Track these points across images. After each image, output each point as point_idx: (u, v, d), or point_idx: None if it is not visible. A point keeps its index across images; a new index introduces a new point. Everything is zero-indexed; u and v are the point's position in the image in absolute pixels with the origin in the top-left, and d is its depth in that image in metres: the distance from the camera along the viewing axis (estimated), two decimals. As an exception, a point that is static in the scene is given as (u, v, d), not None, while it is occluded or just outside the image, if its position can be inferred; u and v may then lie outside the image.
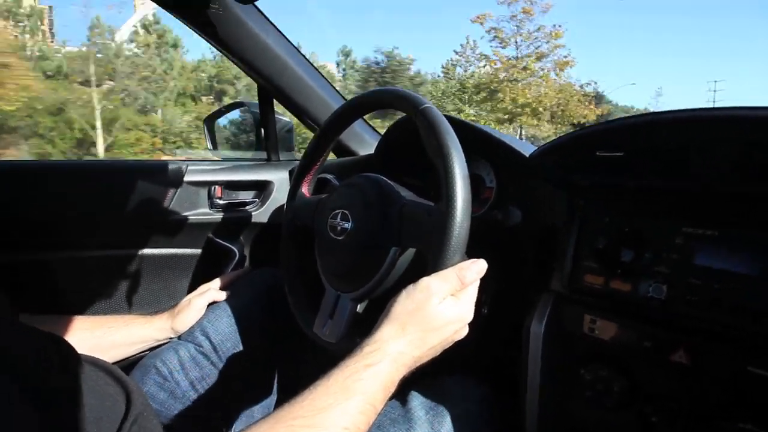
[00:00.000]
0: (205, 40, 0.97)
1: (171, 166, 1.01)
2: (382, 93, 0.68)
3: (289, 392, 0.85)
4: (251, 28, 0.95)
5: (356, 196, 0.67)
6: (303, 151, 0.84)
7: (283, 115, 1.25)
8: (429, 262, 0.54)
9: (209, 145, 1.30)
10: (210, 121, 1.32)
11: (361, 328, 0.62)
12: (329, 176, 1.06)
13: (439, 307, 0.51)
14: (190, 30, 0.95)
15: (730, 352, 0.54)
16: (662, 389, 0.60)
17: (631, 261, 0.59)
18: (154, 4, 0.86)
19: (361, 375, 0.46)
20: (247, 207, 1.11)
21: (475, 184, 0.88)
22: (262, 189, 1.13)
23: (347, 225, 0.65)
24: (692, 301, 0.55)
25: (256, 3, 0.89)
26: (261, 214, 1.11)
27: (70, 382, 0.52)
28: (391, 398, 0.65)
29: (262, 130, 1.20)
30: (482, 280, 0.55)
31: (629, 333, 0.61)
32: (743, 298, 0.52)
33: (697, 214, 0.57)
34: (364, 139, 1.21)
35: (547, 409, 0.67)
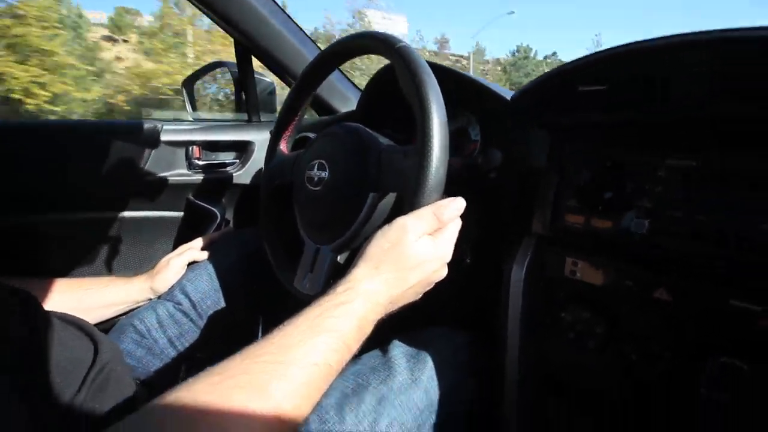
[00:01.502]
0: None
1: (145, 126, 0.98)
2: (356, 37, 0.65)
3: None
4: None
5: (334, 145, 0.65)
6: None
7: (264, 75, 1.21)
8: (405, 202, 0.52)
9: (188, 108, 1.27)
10: (188, 83, 1.28)
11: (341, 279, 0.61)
12: (310, 135, 1.03)
13: (415, 245, 0.49)
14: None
15: (712, 287, 0.52)
16: (644, 329, 0.58)
17: (612, 197, 0.58)
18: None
19: (333, 312, 0.44)
20: (228, 168, 1.08)
21: (460, 137, 0.85)
22: (242, 150, 1.10)
23: (324, 174, 0.63)
24: (674, 234, 0.53)
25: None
26: (242, 176, 1.08)
27: (32, 332, 0.51)
28: (372, 347, 0.65)
29: (243, 92, 1.17)
30: (463, 227, 0.53)
31: (610, 273, 0.60)
32: (726, 226, 0.50)
33: (678, 145, 0.54)
34: (346, 96, 1.17)
35: (528, 353, 0.66)
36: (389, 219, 0.61)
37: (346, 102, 1.17)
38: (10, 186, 0.89)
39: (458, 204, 0.51)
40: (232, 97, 1.24)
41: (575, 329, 0.62)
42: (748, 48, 0.46)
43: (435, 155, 0.49)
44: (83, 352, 0.55)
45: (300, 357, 0.40)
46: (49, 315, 0.55)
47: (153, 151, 0.98)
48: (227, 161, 1.09)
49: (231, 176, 1.07)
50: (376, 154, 0.60)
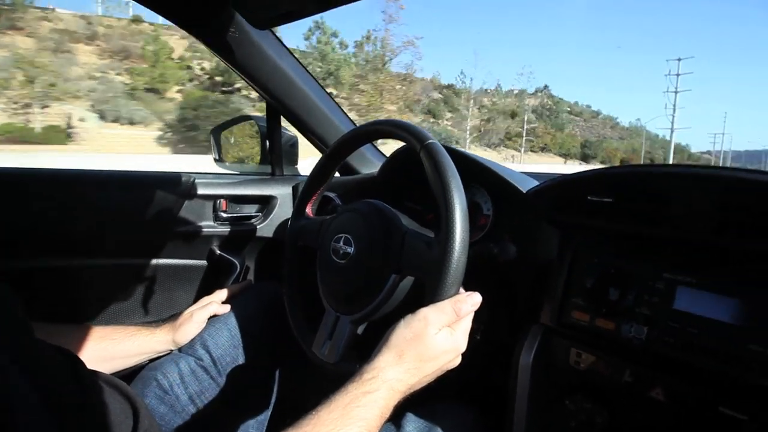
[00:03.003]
0: (219, 59, 1.00)
1: (179, 178, 1.04)
2: (390, 124, 0.71)
3: (286, 408, 0.89)
4: (265, 51, 0.98)
5: (359, 222, 0.70)
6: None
7: (286, 129, 1.28)
8: (427, 292, 0.57)
9: (215, 156, 1.33)
10: (217, 131, 1.34)
11: (359, 350, 0.65)
12: (332, 195, 1.09)
13: (436, 338, 0.54)
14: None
15: (704, 393, 0.58)
16: (640, 423, 0.63)
17: (615, 301, 0.63)
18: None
19: (360, 401, 0.49)
20: (250, 221, 1.14)
21: (473, 211, 0.91)
22: (265, 203, 1.16)
23: (350, 249, 0.68)
24: (670, 343, 0.59)
25: (272, 29, 0.92)
26: (263, 229, 1.14)
27: (83, 397, 0.54)
28: (386, 422, 0.69)
29: (267, 144, 1.24)
30: (476, 309, 0.58)
31: (612, 368, 0.65)
32: (717, 343, 0.56)
33: (677, 261, 0.61)
34: (366, 157, 1.24)
35: (533, 436, 0.70)
36: (407, 300, 0.67)
37: (367, 163, 1.24)
38: (43, 230, 0.94)
39: (475, 299, 0.57)
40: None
41: (578, 418, 0.66)
42: (750, 190, 0.52)
43: (457, 253, 0.55)
44: (124, 417, 0.58)
45: None
46: (95, 379, 0.58)
47: (185, 202, 1.03)
48: (250, 214, 1.15)
49: (253, 229, 1.12)
50: (400, 237, 0.65)
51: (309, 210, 0.85)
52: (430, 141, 0.62)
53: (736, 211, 0.55)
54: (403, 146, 0.99)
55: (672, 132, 47.21)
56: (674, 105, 47.69)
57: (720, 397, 0.57)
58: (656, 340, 0.60)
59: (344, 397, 0.49)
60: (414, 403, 0.69)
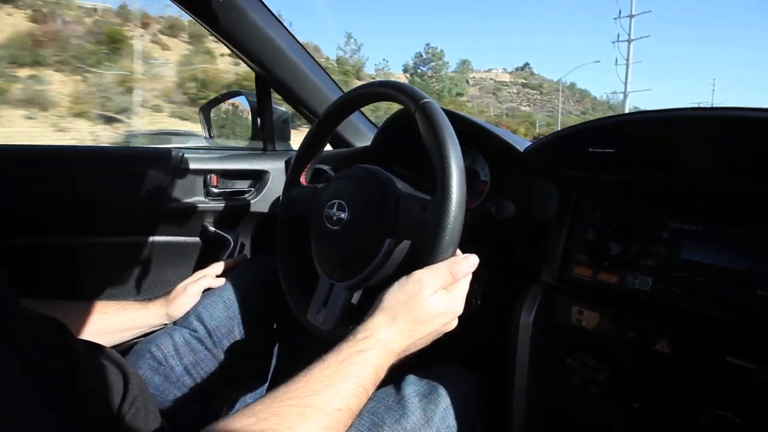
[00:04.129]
0: (205, 28, 0.97)
1: (168, 153, 1.01)
2: (381, 85, 0.69)
3: (283, 378, 0.87)
4: (252, 18, 0.95)
5: (353, 187, 0.68)
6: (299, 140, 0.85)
7: (279, 105, 1.26)
8: (422, 255, 0.56)
9: (205, 133, 1.30)
10: (206, 109, 1.32)
11: (354, 317, 0.64)
12: (325, 167, 1.07)
13: (430, 300, 0.53)
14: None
15: (710, 343, 0.56)
16: (644, 378, 0.62)
17: (618, 254, 0.62)
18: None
19: (354, 360, 0.48)
20: (243, 196, 1.11)
21: (470, 177, 0.89)
22: (258, 178, 1.14)
23: (343, 215, 0.66)
24: (676, 294, 0.57)
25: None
26: (257, 204, 1.12)
27: (69, 364, 0.53)
28: (386, 385, 0.68)
29: (259, 120, 1.21)
30: (474, 271, 0.56)
31: (614, 324, 0.63)
32: (725, 290, 0.55)
33: (683, 210, 0.59)
34: (360, 129, 1.22)
35: (535, 397, 0.69)
36: (403, 265, 0.65)
37: (360, 136, 1.22)
38: (32, 208, 0.92)
39: (472, 261, 0.56)
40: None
41: (580, 375, 0.65)
42: (752, 128, 0.50)
43: (453, 214, 0.53)
44: (115, 384, 0.57)
45: (325, 402, 0.44)
46: (84, 347, 0.57)
47: (174, 178, 1.01)
48: (243, 189, 1.12)
49: (248, 204, 1.10)
50: (395, 201, 0.63)
51: (302, 179, 0.83)
52: (425, 100, 0.60)
53: (742, 153, 0.52)
54: (395, 114, 0.97)
55: (625, 97, 35.65)
56: (627, 59, 35.52)
57: (727, 346, 0.55)
58: (662, 290, 0.58)
59: (338, 356, 0.49)
60: (414, 366, 0.69)
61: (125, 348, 0.79)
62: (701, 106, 0.69)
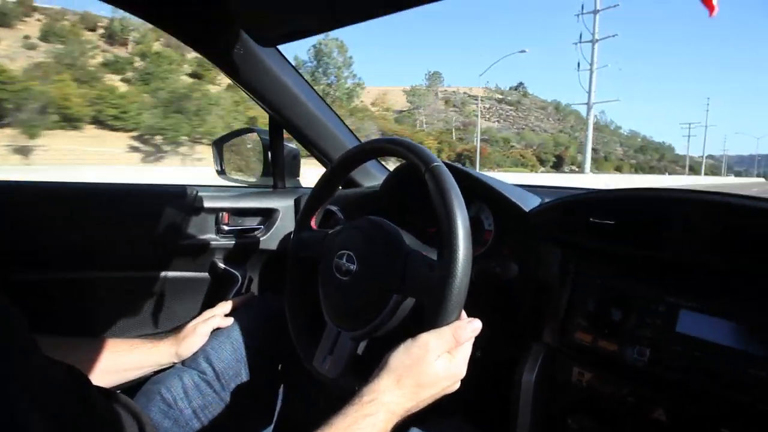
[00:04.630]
0: (224, 74, 1.01)
1: (183, 191, 1.04)
2: (396, 143, 0.72)
3: (288, 423, 0.89)
4: (270, 67, 0.99)
5: (362, 240, 0.71)
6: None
7: (289, 141, 1.29)
8: (427, 317, 0.58)
9: (217, 167, 1.34)
10: (219, 143, 1.35)
11: (359, 367, 0.66)
12: (334, 208, 1.10)
13: (435, 364, 0.55)
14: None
15: (705, 415, 0.58)
16: None
17: (618, 323, 0.64)
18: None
19: (360, 424, 0.50)
20: (253, 233, 1.14)
21: (474, 226, 0.92)
22: (267, 216, 1.16)
23: (352, 267, 0.68)
24: (672, 366, 0.60)
25: (277, 47, 0.93)
26: (266, 241, 1.14)
27: (87, 411, 0.54)
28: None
29: (269, 156, 1.24)
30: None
31: (614, 388, 0.66)
32: (719, 366, 0.57)
33: (679, 284, 0.62)
34: (369, 171, 1.25)
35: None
36: (409, 320, 0.67)
37: (369, 176, 1.25)
38: (45, 243, 0.94)
39: (475, 326, 0.59)
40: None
41: (580, 438, 0.67)
42: (749, 216, 0.53)
43: (458, 279, 0.55)
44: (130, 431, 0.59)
45: None
46: (100, 394, 0.59)
47: (187, 215, 1.04)
48: (253, 227, 1.15)
49: (258, 241, 1.13)
50: (403, 258, 0.65)
51: (312, 223, 0.86)
52: (435, 164, 0.63)
53: (740, 237, 0.56)
54: (407, 163, 1.00)
55: (589, 109, 30.21)
56: (591, 63, 30.18)
57: (722, 418, 0.57)
58: (659, 362, 0.61)
59: (344, 420, 0.50)
60: (416, 419, 0.70)
61: (133, 386, 0.80)
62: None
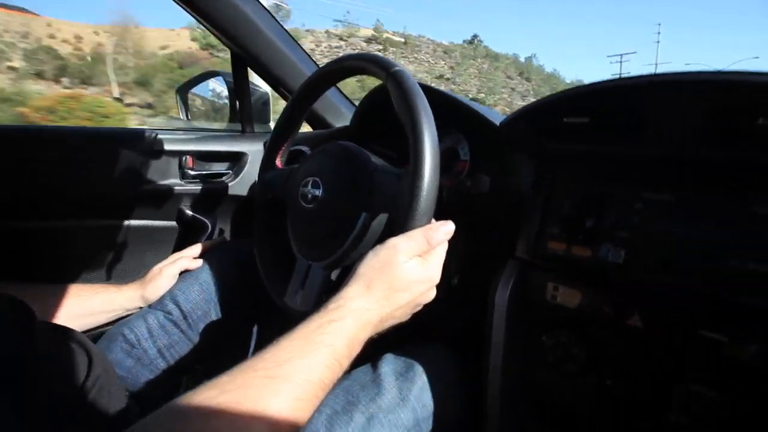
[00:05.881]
0: (180, 6, 0.93)
1: (141, 134, 0.98)
2: (353, 58, 0.67)
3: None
4: None
5: (327, 163, 0.67)
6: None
7: (258, 86, 1.22)
8: (397, 224, 0.54)
9: (182, 116, 1.27)
10: (183, 90, 1.28)
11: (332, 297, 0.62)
12: (304, 148, 1.04)
13: (406, 266, 0.50)
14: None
15: (683, 317, 0.55)
16: (619, 354, 0.61)
17: (592, 227, 0.60)
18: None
19: (325, 329, 0.45)
20: (221, 179, 1.09)
21: (450, 157, 0.88)
22: (235, 160, 1.11)
23: (318, 192, 0.65)
24: (648, 265, 0.56)
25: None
26: (235, 187, 1.09)
27: (30, 344, 0.51)
28: (362, 364, 0.67)
29: (237, 101, 1.18)
30: (451, 248, 0.55)
31: (589, 299, 0.62)
32: (697, 262, 0.53)
33: (656, 180, 0.57)
34: (340, 111, 1.19)
35: (511, 375, 0.68)
36: (380, 239, 0.63)
37: (340, 116, 1.19)
38: (2, 191, 0.89)
39: (448, 228, 0.54)
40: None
41: (555, 353, 0.64)
42: (732, 92, 0.48)
43: (426, 180, 0.51)
44: (78, 364, 0.56)
45: (294, 373, 0.41)
46: (44, 326, 0.56)
47: (147, 159, 0.98)
48: (221, 171, 1.10)
49: (226, 187, 1.08)
50: (369, 175, 0.61)
51: (278, 162, 0.81)
52: (396, 68, 0.58)
53: (718, 119, 0.51)
54: (372, 90, 0.94)
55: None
56: None
57: (699, 319, 0.54)
58: (634, 262, 0.57)
59: (308, 326, 0.45)
60: (391, 345, 0.68)
61: (99, 333, 0.78)
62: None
